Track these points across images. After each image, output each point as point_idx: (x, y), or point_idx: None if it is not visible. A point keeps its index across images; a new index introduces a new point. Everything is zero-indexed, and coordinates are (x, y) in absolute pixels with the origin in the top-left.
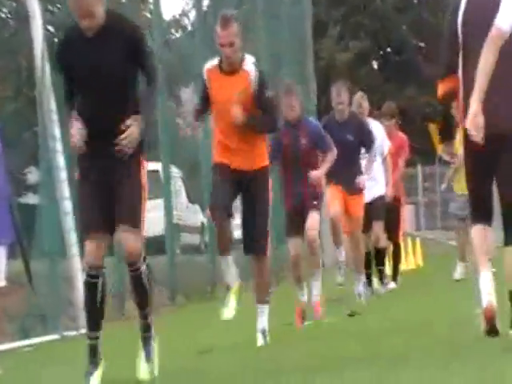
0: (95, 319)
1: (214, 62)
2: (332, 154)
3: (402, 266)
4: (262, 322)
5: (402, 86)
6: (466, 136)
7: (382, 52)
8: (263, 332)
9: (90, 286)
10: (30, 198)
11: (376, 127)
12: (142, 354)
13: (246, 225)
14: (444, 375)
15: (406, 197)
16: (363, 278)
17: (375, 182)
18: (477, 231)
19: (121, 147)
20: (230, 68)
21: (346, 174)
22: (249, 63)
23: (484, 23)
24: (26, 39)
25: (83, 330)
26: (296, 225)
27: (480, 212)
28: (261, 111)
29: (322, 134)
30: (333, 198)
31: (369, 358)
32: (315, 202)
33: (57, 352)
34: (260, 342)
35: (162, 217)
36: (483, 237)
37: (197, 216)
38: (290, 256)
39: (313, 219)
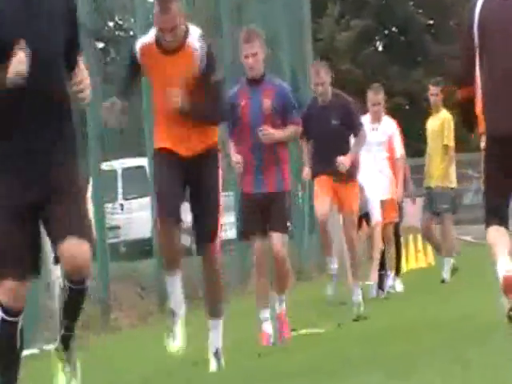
0: (9, 367)
1: (151, 37)
2: (296, 129)
3: (411, 265)
4: (214, 340)
5: (408, 68)
6: (487, 140)
7: (386, 31)
8: (216, 353)
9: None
10: None
11: (389, 125)
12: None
13: (194, 216)
14: (449, 380)
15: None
16: (360, 288)
17: (385, 179)
18: (492, 231)
19: (77, 90)
20: (171, 47)
21: (334, 163)
22: (194, 38)
23: (500, 26)
24: None
25: None
26: (256, 225)
27: (495, 214)
28: (205, 96)
29: (292, 99)
30: (320, 194)
31: (375, 362)
32: (288, 224)
33: (35, 369)
34: (213, 366)
35: (149, 216)
36: (499, 234)
37: (186, 215)
38: (255, 259)
39: (278, 240)
